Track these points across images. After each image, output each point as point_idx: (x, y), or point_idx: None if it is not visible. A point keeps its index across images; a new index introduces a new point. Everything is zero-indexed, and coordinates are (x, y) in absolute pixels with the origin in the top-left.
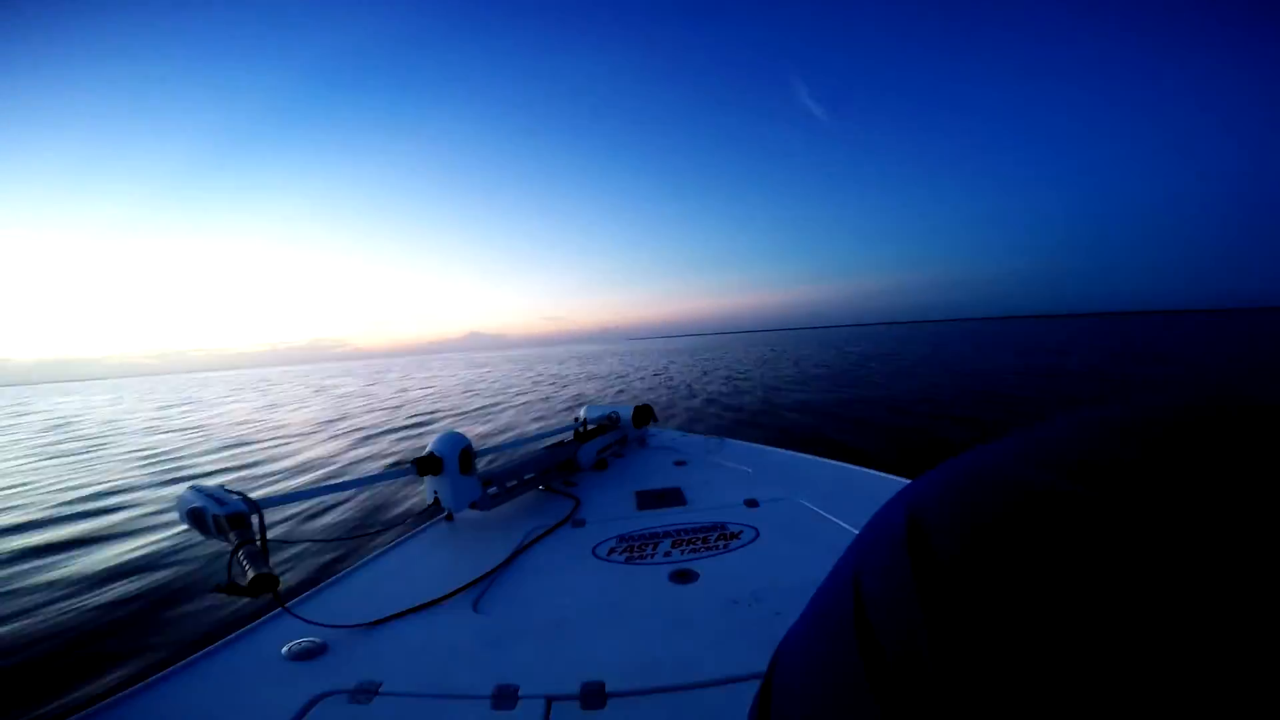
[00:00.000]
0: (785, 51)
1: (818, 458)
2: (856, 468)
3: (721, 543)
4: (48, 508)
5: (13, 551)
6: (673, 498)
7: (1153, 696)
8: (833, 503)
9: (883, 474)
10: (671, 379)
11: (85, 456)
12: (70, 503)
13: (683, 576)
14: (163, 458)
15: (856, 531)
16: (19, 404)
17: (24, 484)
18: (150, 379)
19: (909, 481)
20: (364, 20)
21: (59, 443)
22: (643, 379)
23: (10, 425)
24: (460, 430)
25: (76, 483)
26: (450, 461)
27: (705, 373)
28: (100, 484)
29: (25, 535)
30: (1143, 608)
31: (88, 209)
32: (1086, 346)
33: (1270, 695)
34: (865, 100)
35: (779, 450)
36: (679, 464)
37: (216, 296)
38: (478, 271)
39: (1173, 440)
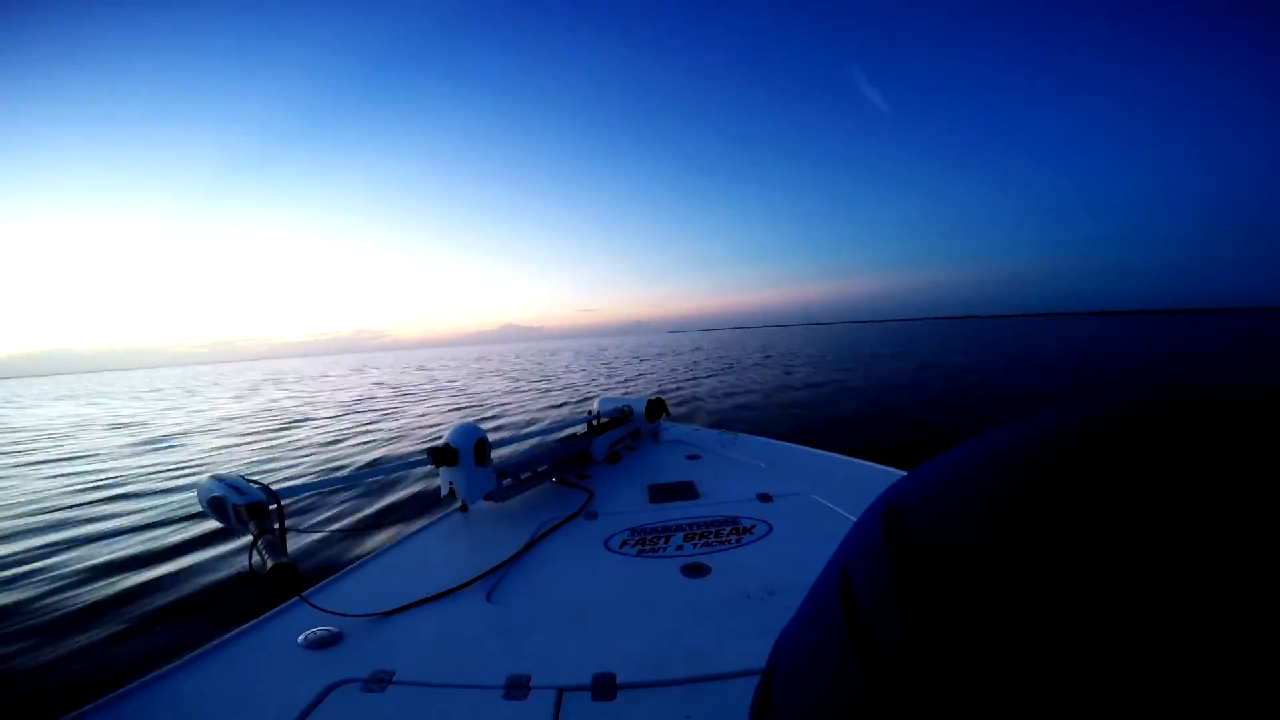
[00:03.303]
0: (840, 36)
1: (832, 453)
2: (870, 464)
3: (734, 537)
4: None
5: None
6: (685, 491)
7: (1093, 661)
8: (846, 499)
9: (896, 470)
10: None
11: None
12: None
13: (694, 570)
14: None
15: None
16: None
17: None
18: (222, 365)
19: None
20: (410, 7)
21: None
22: None
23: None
24: (474, 422)
25: None
26: (465, 453)
27: None
28: None
29: None
30: (1094, 588)
31: (140, 203)
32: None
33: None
34: (925, 86)
35: (793, 446)
36: (691, 458)
37: (261, 288)
38: (512, 263)
39: (1133, 433)
